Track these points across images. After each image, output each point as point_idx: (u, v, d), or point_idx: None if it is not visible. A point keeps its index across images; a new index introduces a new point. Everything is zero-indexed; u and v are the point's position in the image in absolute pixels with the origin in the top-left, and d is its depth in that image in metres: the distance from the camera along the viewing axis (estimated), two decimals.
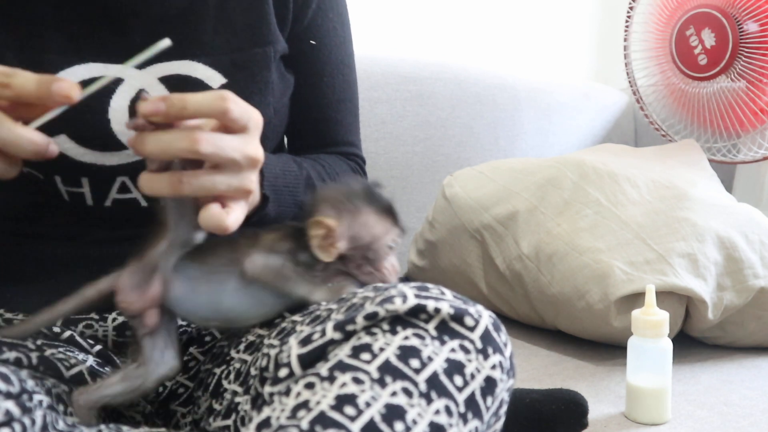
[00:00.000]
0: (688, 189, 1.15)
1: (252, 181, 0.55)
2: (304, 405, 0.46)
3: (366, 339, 0.50)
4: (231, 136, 0.52)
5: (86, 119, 0.67)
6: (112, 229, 0.71)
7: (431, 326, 0.51)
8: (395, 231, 0.63)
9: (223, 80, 0.71)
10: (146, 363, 0.59)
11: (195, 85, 0.70)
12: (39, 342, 0.63)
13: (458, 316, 0.51)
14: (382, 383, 0.47)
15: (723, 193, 1.24)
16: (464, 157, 1.52)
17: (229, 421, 0.58)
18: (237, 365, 0.62)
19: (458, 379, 0.49)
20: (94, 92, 0.52)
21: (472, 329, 0.51)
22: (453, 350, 0.50)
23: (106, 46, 0.68)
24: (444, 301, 0.51)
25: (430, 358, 0.49)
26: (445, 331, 0.51)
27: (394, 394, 0.47)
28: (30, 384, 0.53)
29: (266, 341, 0.59)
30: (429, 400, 0.47)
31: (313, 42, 0.80)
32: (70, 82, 0.50)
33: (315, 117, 0.83)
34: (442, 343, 0.50)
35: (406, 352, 0.49)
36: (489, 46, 1.88)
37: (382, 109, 1.44)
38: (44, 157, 0.50)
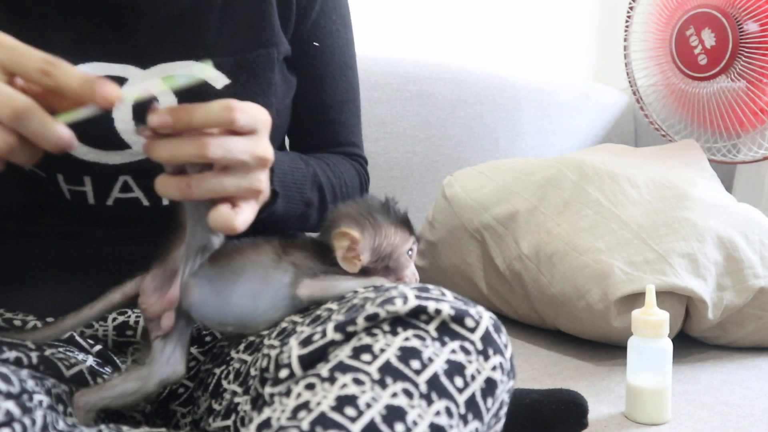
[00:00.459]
0: (688, 189, 1.15)
1: (261, 181, 0.55)
2: (305, 406, 0.46)
3: (367, 340, 0.50)
4: (239, 138, 0.53)
5: (90, 117, 0.67)
6: (112, 228, 0.71)
7: (432, 327, 0.51)
8: (412, 240, 0.65)
9: (226, 81, 0.71)
10: (151, 363, 0.59)
11: (198, 85, 0.70)
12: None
13: (459, 318, 0.51)
14: (382, 384, 0.47)
15: (723, 193, 1.24)
16: (464, 157, 1.52)
17: (229, 422, 0.58)
18: (236, 365, 0.62)
19: (459, 381, 0.49)
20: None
21: (472, 330, 0.51)
22: (453, 351, 0.50)
23: (111, 45, 0.68)
24: (444, 302, 0.51)
25: (430, 360, 0.49)
26: (445, 332, 0.51)
27: (394, 395, 0.47)
28: (30, 384, 0.53)
29: (266, 342, 0.59)
30: (429, 401, 0.47)
31: (316, 44, 0.81)
32: (115, 86, 0.48)
33: (317, 118, 0.83)
34: (443, 344, 0.50)
35: (407, 353, 0.49)
36: (489, 46, 1.88)
37: (382, 109, 1.44)
38: (64, 151, 0.50)
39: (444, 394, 0.48)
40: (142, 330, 0.68)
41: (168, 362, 0.60)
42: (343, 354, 0.49)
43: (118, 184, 0.69)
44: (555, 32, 2.01)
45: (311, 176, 0.73)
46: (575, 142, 1.72)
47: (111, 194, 0.69)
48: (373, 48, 1.44)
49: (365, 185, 0.87)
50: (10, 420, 0.49)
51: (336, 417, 0.45)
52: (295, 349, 0.51)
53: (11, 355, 0.58)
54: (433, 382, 0.48)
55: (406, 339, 0.50)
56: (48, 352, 0.61)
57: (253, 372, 0.58)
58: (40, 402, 0.53)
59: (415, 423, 0.46)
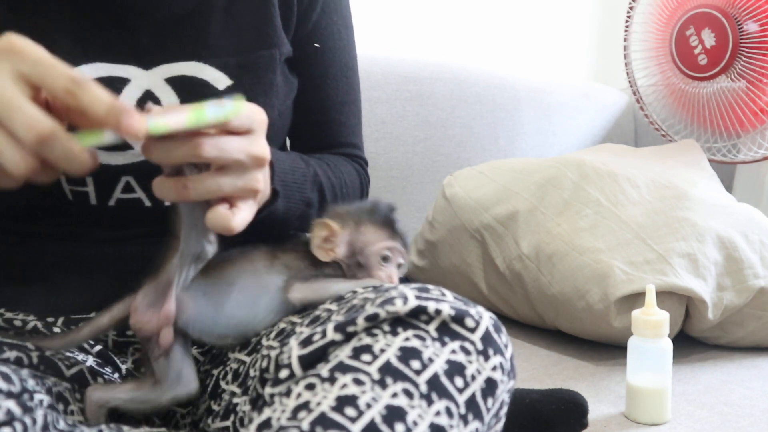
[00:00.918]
0: (688, 189, 1.15)
1: (258, 180, 0.55)
2: (305, 406, 0.47)
3: (367, 340, 0.50)
4: (235, 137, 0.53)
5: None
6: (114, 229, 0.71)
7: (432, 327, 0.51)
8: (390, 243, 0.64)
9: (229, 82, 0.71)
10: (161, 383, 0.58)
11: (201, 86, 0.70)
12: None
13: (459, 318, 0.51)
14: (382, 384, 0.47)
15: (723, 193, 1.24)
16: (464, 157, 1.52)
17: (228, 422, 0.58)
18: (234, 366, 0.62)
19: (459, 381, 0.49)
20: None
21: (472, 331, 0.51)
22: (454, 351, 0.50)
23: (113, 45, 0.68)
24: (445, 302, 0.51)
25: (430, 360, 0.49)
26: (445, 332, 0.51)
27: (394, 395, 0.47)
28: (31, 383, 0.53)
29: (265, 342, 0.59)
30: (430, 402, 0.47)
31: (317, 45, 0.81)
32: (141, 118, 0.46)
33: (318, 119, 0.83)
34: (443, 344, 0.50)
35: (407, 354, 0.49)
36: (489, 46, 1.88)
37: (382, 109, 1.44)
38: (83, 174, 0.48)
39: (444, 394, 0.48)
40: (142, 355, 0.65)
41: (179, 381, 0.58)
42: (343, 354, 0.50)
43: (120, 185, 0.69)
44: (555, 32, 2.01)
45: (312, 176, 0.73)
46: (575, 142, 1.72)
47: (113, 195, 0.69)
48: (373, 48, 1.44)
49: (365, 186, 0.87)
50: (10, 419, 0.49)
51: (336, 417, 0.45)
52: (295, 350, 0.52)
53: (12, 354, 0.58)
54: (434, 383, 0.48)
55: (407, 339, 0.50)
56: (48, 351, 0.61)
57: (252, 372, 0.58)
58: (41, 401, 0.53)
59: (415, 423, 0.46)
